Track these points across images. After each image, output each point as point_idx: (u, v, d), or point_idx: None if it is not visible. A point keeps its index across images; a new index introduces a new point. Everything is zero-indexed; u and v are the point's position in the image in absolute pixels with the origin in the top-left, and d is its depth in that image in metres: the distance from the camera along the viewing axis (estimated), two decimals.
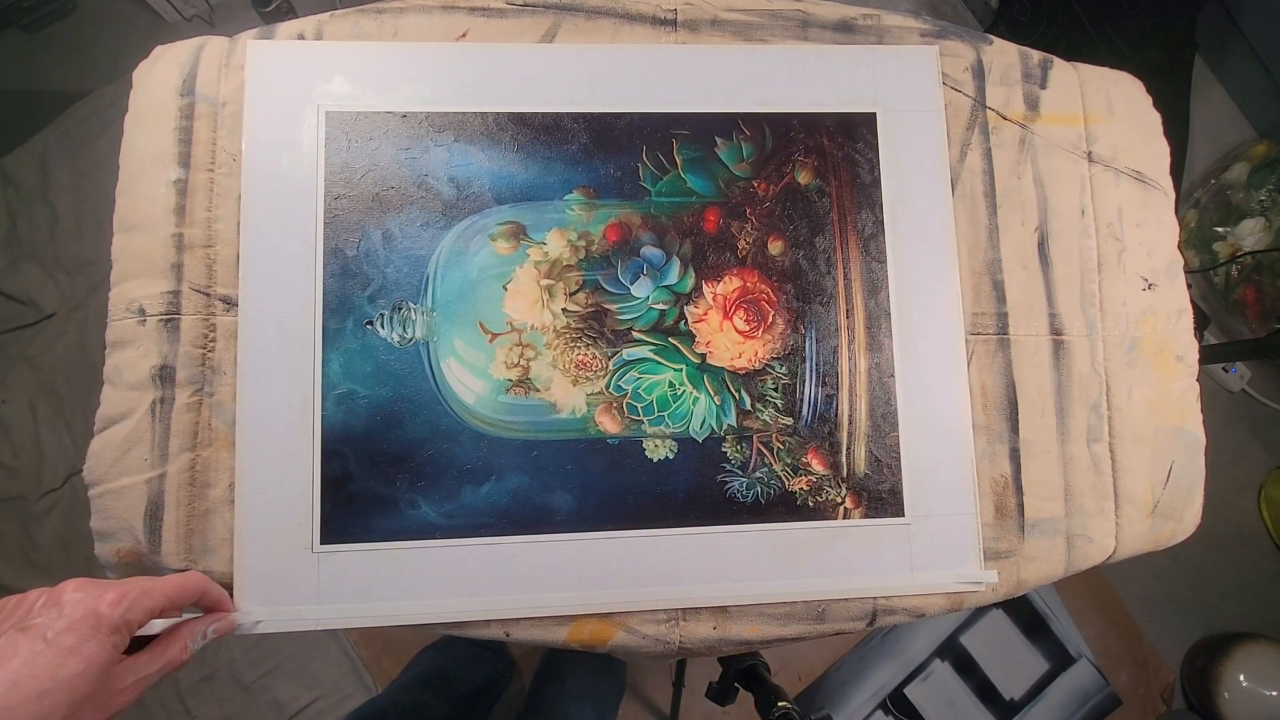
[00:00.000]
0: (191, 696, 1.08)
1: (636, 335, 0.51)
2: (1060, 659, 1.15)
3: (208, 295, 0.49)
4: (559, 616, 0.48)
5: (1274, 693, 1.10)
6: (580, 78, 0.52)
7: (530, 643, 0.49)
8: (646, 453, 0.50)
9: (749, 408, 0.51)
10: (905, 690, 1.12)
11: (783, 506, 0.50)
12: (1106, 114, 0.56)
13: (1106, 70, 0.58)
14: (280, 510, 0.47)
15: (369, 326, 0.49)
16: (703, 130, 0.53)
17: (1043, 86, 0.56)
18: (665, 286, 0.51)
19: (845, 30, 0.56)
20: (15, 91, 1.24)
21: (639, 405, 0.50)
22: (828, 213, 0.53)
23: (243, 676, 1.09)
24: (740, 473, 0.50)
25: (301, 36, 0.52)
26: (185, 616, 0.43)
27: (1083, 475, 0.53)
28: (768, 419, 0.51)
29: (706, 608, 0.50)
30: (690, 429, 0.50)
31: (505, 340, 0.50)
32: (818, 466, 0.51)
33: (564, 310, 0.50)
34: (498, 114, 0.52)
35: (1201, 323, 1.28)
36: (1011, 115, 0.55)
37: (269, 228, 0.49)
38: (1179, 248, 0.56)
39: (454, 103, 0.51)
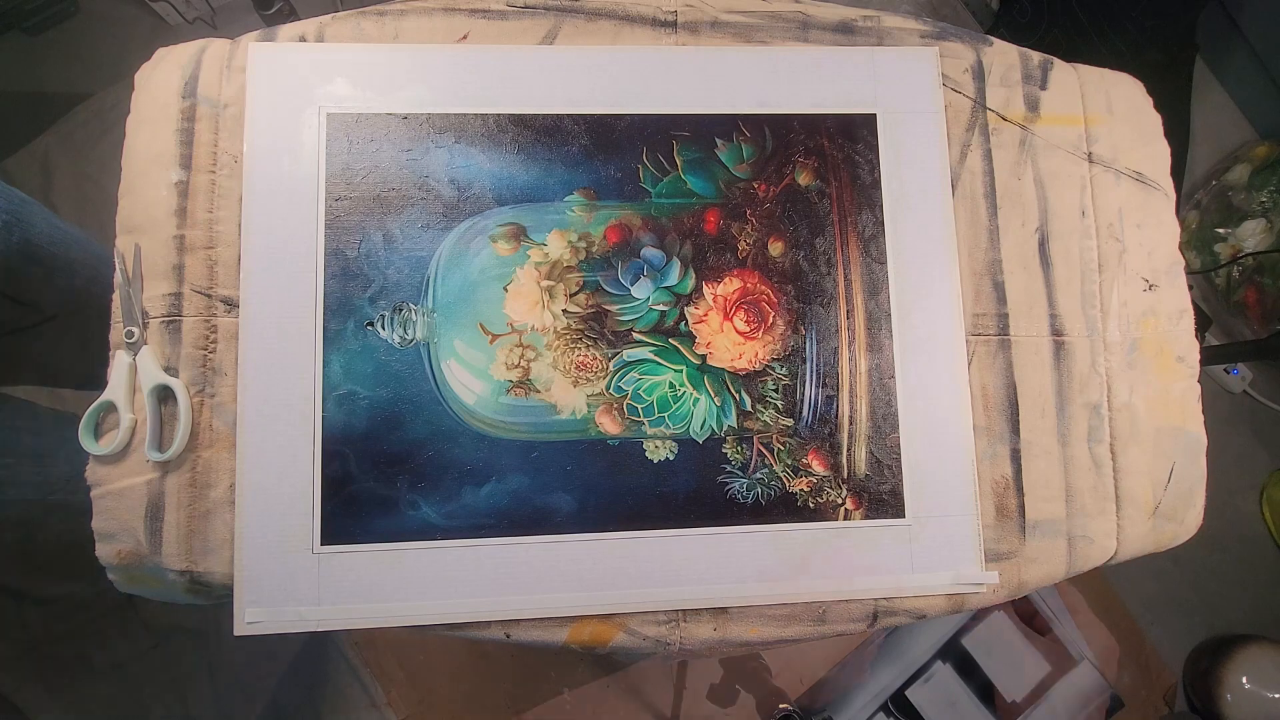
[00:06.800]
0: (192, 696, 1.07)
1: (637, 336, 0.51)
2: (1062, 661, 1.15)
3: (209, 297, 0.49)
4: (559, 617, 0.48)
5: (1276, 695, 1.10)
6: (581, 79, 0.53)
7: (530, 644, 0.49)
8: (647, 454, 0.50)
9: (749, 409, 0.51)
10: (907, 692, 1.12)
11: (783, 507, 0.50)
12: (1107, 115, 0.56)
13: (1107, 71, 0.58)
14: (281, 511, 0.47)
15: (370, 328, 0.49)
16: (703, 131, 0.53)
17: (1043, 87, 0.56)
18: (665, 287, 0.51)
19: (845, 32, 0.56)
20: (17, 94, 1.24)
21: (639, 406, 0.50)
22: (828, 214, 0.53)
23: (242, 677, 1.08)
24: (741, 474, 0.50)
25: (303, 39, 0.52)
26: None
27: (1084, 476, 0.52)
28: (768, 420, 0.51)
29: (707, 609, 0.49)
30: (690, 430, 0.50)
31: (506, 341, 0.50)
32: (818, 467, 0.51)
33: (564, 311, 0.51)
34: (498, 115, 0.52)
35: (1203, 324, 1.27)
36: (1012, 116, 0.55)
37: (270, 229, 0.49)
38: (1180, 249, 0.56)
39: (455, 104, 0.52)
